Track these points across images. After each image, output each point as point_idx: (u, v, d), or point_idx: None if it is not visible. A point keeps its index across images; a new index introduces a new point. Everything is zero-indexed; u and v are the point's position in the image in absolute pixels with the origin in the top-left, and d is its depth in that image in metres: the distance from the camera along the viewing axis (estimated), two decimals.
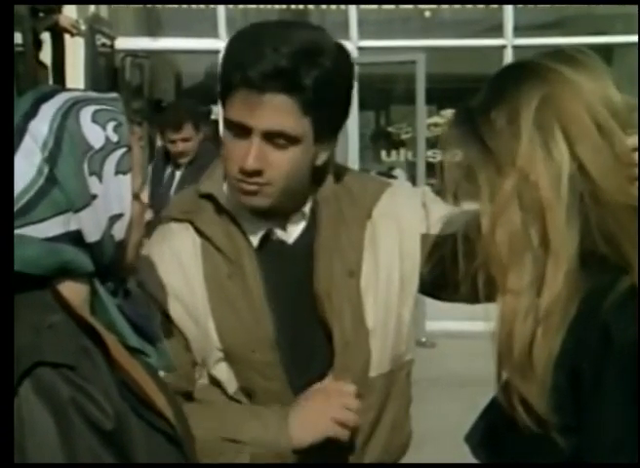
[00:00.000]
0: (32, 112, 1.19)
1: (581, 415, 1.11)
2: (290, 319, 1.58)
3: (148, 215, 1.33)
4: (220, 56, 1.53)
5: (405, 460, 1.75)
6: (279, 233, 1.60)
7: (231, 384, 1.57)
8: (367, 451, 1.62)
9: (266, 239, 1.59)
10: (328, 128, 1.53)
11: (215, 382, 1.59)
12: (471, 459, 1.28)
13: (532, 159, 1.14)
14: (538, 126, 1.14)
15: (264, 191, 1.50)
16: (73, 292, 1.22)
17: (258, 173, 1.48)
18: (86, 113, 1.21)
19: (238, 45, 1.47)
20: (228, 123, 1.50)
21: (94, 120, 1.21)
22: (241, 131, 1.48)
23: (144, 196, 1.31)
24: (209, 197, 1.60)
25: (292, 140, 1.48)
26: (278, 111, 1.45)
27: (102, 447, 1.12)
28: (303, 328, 1.58)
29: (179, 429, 1.27)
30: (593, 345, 1.09)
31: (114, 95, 1.29)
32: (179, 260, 1.58)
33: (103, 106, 1.24)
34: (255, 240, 1.58)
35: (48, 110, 1.20)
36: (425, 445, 4.03)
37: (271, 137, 1.47)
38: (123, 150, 1.23)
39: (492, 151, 1.17)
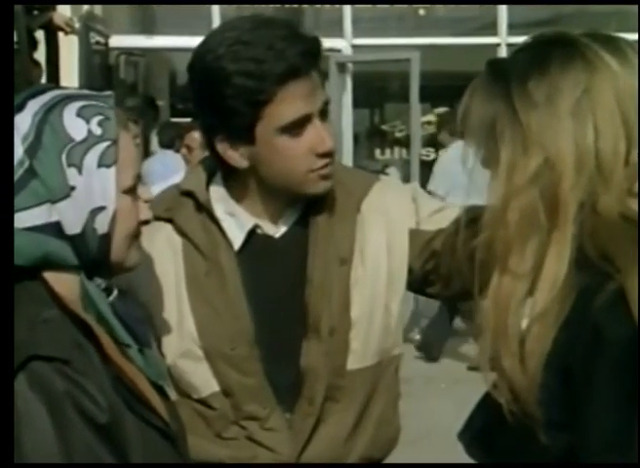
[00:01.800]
0: (19, 107, 1.21)
1: (573, 413, 1.10)
2: (271, 313, 1.58)
3: (146, 214, 1.32)
4: (207, 37, 1.53)
5: (400, 457, 1.76)
6: (267, 227, 1.60)
7: (206, 385, 1.57)
8: (353, 446, 1.62)
9: (252, 234, 1.60)
10: None
11: (182, 390, 1.57)
12: (466, 457, 1.28)
13: (562, 147, 1.12)
14: (574, 115, 1.12)
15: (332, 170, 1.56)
16: (66, 286, 1.22)
17: (332, 152, 1.53)
18: (71, 108, 1.22)
19: (257, 49, 1.46)
20: (282, 128, 1.49)
21: (78, 114, 1.22)
22: (298, 125, 1.49)
23: (143, 192, 1.31)
24: (189, 194, 1.60)
25: (328, 108, 1.54)
26: (319, 85, 1.52)
27: (97, 440, 1.13)
28: (285, 322, 1.59)
29: (172, 425, 1.28)
30: (584, 344, 1.08)
31: (108, 92, 1.30)
32: (152, 260, 1.57)
33: (92, 102, 1.24)
34: (240, 236, 1.59)
35: (34, 105, 1.21)
36: (420, 441, 4.05)
37: (322, 114, 1.52)
38: (107, 143, 1.23)
39: (521, 123, 1.14)
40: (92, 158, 1.21)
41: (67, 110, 1.21)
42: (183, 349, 1.56)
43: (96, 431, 1.12)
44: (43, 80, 5.49)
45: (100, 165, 1.22)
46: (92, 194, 1.22)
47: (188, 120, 6.41)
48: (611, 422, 1.07)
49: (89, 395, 1.13)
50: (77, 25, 6.17)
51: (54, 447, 1.10)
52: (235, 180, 1.60)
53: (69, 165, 1.20)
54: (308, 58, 1.48)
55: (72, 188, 1.20)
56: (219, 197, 1.60)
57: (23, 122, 1.20)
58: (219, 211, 1.59)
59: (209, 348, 1.56)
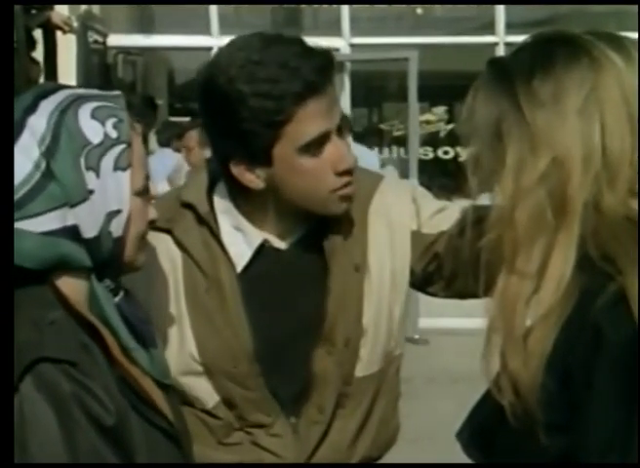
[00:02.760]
0: (32, 108, 1.19)
1: (572, 414, 1.10)
2: (275, 326, 1.56)
3: (153, 213, 1.31)
4: (215, 58, 1.47)
5: (400, 457, 1.76)
6: (275, 241, 1.57)
7: (211, 398, 1.56)
8: (355, 448, 1.62)
9: (259, 249, 1.56)
10: None
11: (187, 401, 1.55)
12: (465, 457, 1.28)
13: (570, 146, 1.11)
14: (581, 113, 1.11)
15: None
16: (73, 288, 1.22)
17: (352, 169, 1.50)
18: (85, 109, 1.21)
19: (270, 68, 1.42)
20: (302, 147, 1.45)
21: (93, 116, 1.21)
22: (317, 143, 1.46)
23: (152, 190, 1.30)
24: (189, 206, 1.56)
25: (343, 123, 1.52)
26: (335, 100, 1.49)
27: (104, 442, 1.12)
28: (292, 334, 1.56)
29: (176, 426, 1.28)
30: (584, 344, 1.08)
31: (117, 92, 1.28)
32: (152, 273, 1.53)
33: (104, 103, 1.23)
34: (248, 252, 1.55)
35: (47, 106, 1.20)
36: (421, 441, 4.05)
37: (338, 130, 1.49)
38: (122, 146, 1.22)
39: (528, 122, 1.12)
40: (108, 161, 1.21)
41: (82, 112, 1.20)
42: (184, 366, 1.54)
43: (102, 433, 1.12)
44: (42, 79, 5.49)
45: (115, 168, 1.21)
46: (107, 198, 1.21)
47: (187, 119, 6.41)
48: (611, 422, 1.07)
49: (95, 397, 1.12)
50: (75, 24, 6.18)
51: (60, 449, 1.09)
52: (245, 195, 1.55)
53: (87, 168, 1.19)
54: (323, 74, 1.43)
55: (90, 192, 1.19)
56: (224, 209, 1.57)
57: (38, 124, 1.18)
58: (224, 224, 1.56)
59: (209, 365, 1.54)
